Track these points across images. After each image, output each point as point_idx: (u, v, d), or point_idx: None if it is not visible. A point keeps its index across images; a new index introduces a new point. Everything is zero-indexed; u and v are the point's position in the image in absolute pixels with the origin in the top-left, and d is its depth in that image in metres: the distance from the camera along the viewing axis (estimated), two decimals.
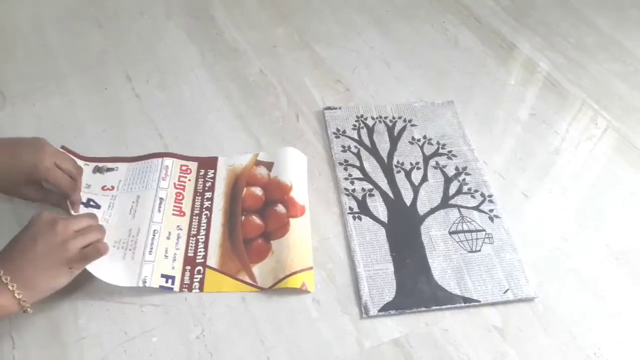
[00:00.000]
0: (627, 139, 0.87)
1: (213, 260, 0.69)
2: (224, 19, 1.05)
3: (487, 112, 0.91)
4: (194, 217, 0.73)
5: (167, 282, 0.66)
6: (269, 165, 0.78)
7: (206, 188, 0.76)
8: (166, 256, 0.68)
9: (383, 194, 0.77)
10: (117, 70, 0.93)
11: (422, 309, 0.66)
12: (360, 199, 0.77)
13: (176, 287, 0.66)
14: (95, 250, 0.62)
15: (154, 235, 0.69)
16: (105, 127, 0.84)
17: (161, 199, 0.73)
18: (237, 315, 0.65)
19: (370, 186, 0.78)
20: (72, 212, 0.69)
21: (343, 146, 0.83)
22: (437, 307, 0.66)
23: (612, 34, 1.06)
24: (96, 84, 0.90)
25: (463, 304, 0.66)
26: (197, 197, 0.75)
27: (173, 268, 0.67)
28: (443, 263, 0.70)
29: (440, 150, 0.83)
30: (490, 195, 0.78)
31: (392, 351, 0.63)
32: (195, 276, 0.67)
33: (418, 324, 0.65)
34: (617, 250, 0.73)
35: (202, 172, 0.78)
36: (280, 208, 0.73)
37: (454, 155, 0.83)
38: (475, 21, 1.07)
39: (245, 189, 0.76)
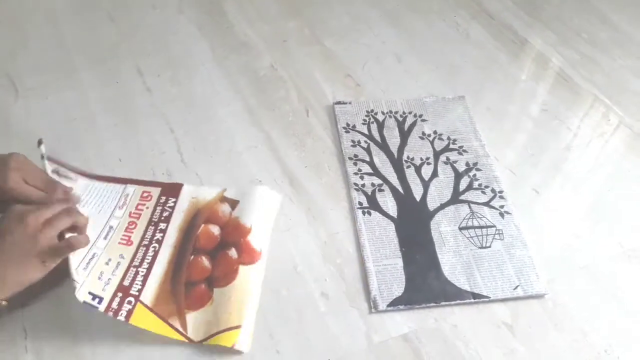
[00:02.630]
0: None
1: (148, 297, 0.63)
2: (235, 13, 1.05)
3: (499, 107, 0.90)
4: (141, 247, 0.68)
5: (93, 300, 0.60)
6: (234, 204, 0.72)
7: (162, 218, 0.71)
8: (100, 279, 0.62)
9: (393, 189, 0.77)
10: (128, 64, 0.93)
11: (431, 304, 0.66)
12: (369, 194, 0.76)
13: (102, 307, 0.60)
14: (67, 244, 0.60)
15: (93, 258, 0.64)
16: (117, 121, 0.84)
17: (111, 227, 0.68)
18: None
19: (380, 181, 0.78)
20: None
21: (353, 141, 0.83)
22: (447, 303, 0.66)
23: (626, 29, 1.05)
24: (108, 78, 0.91)
25: (472, 300, 0.66)
26: (150, 227, 0.70)
27: (103, 290, 0.62)
28: (453, 259, 0.70)
29: (451, 146, 0.83)
30: (501, 191, 0.77)
31: (401, 346, 0.63)
32: (125, 305, 0.61)
33: (427, 319, 0.65)
34: (629, 248, 0.72)
35: (163, 199, 0.73)
36: (233, 252, 0.67)
37: (465, 151, 0.82)
38: (487, 16, 1.07)
39: (202, 225, 0.70)
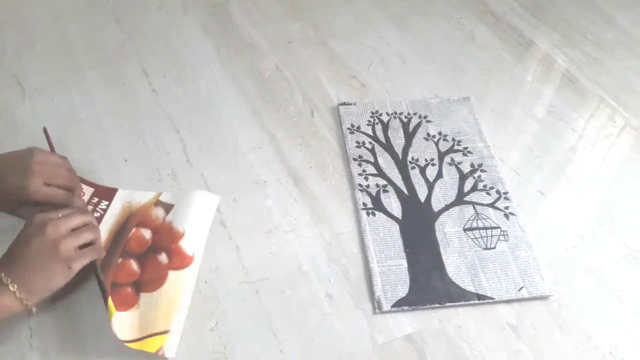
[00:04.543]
0: None
1: None
2: (240, 14, 1.05)
3: (504, 108, 0.90)
4: None
5: None
6: (169, 208, 0.71)
7: None
8: None
9: (397, 190, 0.77)
10: (134, 64, 0.94)
11: (436, 305, 0.66)
12: (374, 194, 0.77)
13: None
14: (94, 250, 0.63)
15: None
16: (122, 121, 0.85)
17: None
18: (251, 308, 0.65)
19: (385, 182, 0.78)
20: None
21: (357, 142, 0.83)
22: (451, 304, 0.66)
23: (632, 30, 1.05)
24: (113, 78, 0.91)
25: (477, 301, 0.66)
26: None
27: None
28: (457, 260, 0.70)
29: (456, 147, 0.83)
30: (505, 193, 0.77)
31: (405, 347, 0.63)
32: None
33: (431, 320, 0.65)
34: (634, 249, 0.72)
35: (95, 200, 0.72)
36: (163, 257, 0.66)
37: (470, 152, 0.82)
38: (492, 17, 1.07)
39: (134, 229, 0.69)
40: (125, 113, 0.86)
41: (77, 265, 0.60)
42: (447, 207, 0.75)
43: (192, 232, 0.69)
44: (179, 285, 0.65)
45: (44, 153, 0.68)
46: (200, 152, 0.81)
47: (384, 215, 0.74)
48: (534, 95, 0.93)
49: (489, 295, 0.67)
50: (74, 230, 0.62)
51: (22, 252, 0.59)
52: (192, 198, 0.72)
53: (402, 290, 0.67)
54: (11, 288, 0.56)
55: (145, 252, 0.68)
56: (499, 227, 0.73)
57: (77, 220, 0.63)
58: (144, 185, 0.76)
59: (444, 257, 0.70)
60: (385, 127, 0.85)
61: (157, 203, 0.72)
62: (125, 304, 0.63)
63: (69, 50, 0.96)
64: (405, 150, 0.82)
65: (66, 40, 0.97)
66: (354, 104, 0.88)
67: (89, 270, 0.63)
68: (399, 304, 0.65)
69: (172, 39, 0.99)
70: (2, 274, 0.57)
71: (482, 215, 0.74)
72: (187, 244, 0.68)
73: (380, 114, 0.87)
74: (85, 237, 0.62)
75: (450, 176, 0.79)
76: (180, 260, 0.66)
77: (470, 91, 0.92)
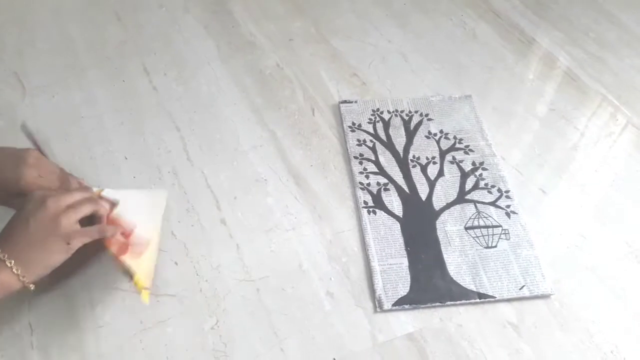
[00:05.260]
0: None
1: None
2: (241, 12, 1.05)
3: (506, 107, 0.90)
4: None
5: None
6: (113, 205, 0.67)
7: None
8: None
9: (398, 189, 0.77)
10: (135, 62, 0.94)
11: (437, 304, 0.66)
12: (375, 193, 0.76)
13: None
14: (98, 229, 0.62)
15: None
16: (123, 119, 0.85)
17: None
18: (251, 307, 0.65)
19: (386, 180, 0.78)
20: None
21: (358, 140, 0.83)
22: (452, 303, 0.66)
23: (634, 29, 1.04)
24: (114, 76, 0.91)
25: (478, 300, 0.66)
26: None
27: None
28: (458, 258, 0.70)
29: (457, 145, 0.83)
30: (507, 191, 0.77)
31: (406, 345, 0.63)
32: None
33: (432, 319, 0.65)
34: (636, 248, 0.72)
35: None
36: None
37: (471, 150, 0.82)
38: (494, 15, 1.06)
39: None
40: (126, 111, 0.86)
41: (77, 242, 0.59)
42: (448, 206, 0.75)
43: (143, 223, 0.66)
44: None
45: (38, 152, 0.68)
46: (201, 150, 0.81)
47: (385, 214, 0.74)
48: (535, 93, 0.93)
49: (490, 294, 0.66)
50: (72, 205, 0.61)
51: (20, 228, 0.58)
52: (138, 197, 0.70)
53: (403, 289, 0.67)
54: (8, 264, 0.55)
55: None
56: (500, 226, 0.73)
57: (76, 196, 0.62)
58: (145, 183, 0.76)
59: (445, 256, 0.70)
60: (387, 125, 0.85)
61: (100, 197, 0.68)
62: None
63: (70, 48, 0.96)
64: (407, 149, 0.82)
65: (67, 38, 0.97)
66: (355, 102, 0.88)
67: (89, 254, 0.63)
68: (400, 303, 0.65)
69: (173, 37, 0.99)
70: None
71: (484, 214, 0.74)
72: (140, 233, 0.65)
73: (382, 112, 0.87)
74: (85, 209, 0.61)
75: (451, 174, 0.79)
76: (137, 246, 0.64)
77: (472, 89, 0.92)
